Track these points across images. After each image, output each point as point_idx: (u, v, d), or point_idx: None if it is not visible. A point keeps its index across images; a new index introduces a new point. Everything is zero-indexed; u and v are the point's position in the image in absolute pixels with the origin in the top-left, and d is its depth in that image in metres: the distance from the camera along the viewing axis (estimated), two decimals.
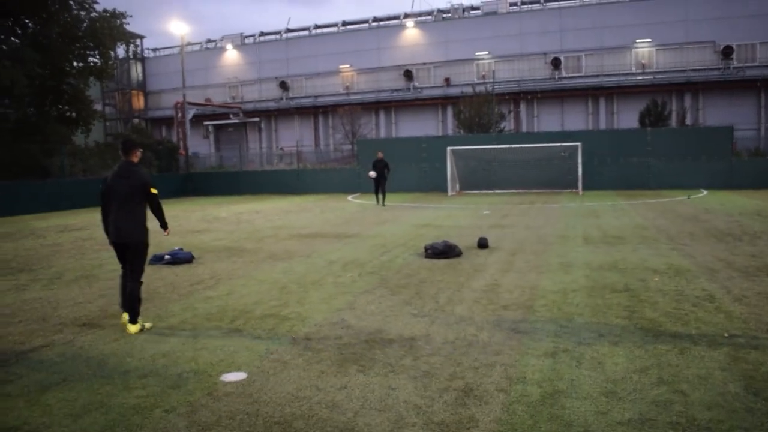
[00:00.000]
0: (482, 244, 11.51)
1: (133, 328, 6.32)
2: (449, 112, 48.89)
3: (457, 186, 29.91)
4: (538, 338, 5.69)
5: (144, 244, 6.52)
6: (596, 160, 28.73)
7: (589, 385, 4.50)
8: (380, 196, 22.30)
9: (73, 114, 32.40)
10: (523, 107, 48.85)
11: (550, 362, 5.04)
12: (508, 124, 46.39)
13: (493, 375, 4.79)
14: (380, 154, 22.46)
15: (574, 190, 27.56)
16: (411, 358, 5.27)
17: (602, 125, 46.27)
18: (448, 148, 29.24)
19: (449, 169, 29.03)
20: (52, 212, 24.39)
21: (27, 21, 30.61)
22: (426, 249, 10.74)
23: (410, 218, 17.95)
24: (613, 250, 10.84)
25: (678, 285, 7.84)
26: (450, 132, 46.96)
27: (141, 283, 6.53)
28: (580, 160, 27.38)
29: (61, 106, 32.09)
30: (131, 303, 6.39)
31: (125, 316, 6.42)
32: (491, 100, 41.43)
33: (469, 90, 44.65)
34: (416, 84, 51.03)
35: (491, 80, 44.83)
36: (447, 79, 49.87)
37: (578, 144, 27.58)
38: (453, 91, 48.50)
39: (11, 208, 23.57)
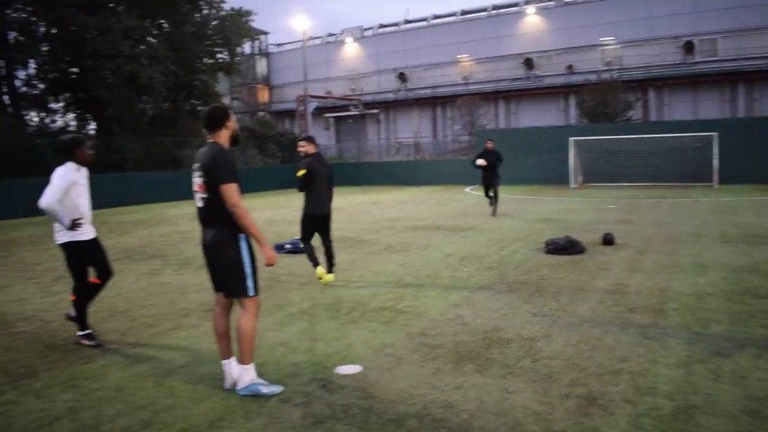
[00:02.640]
0: (608, 240, 10.94)
1: (329, 277, 8.20)
2: (572, 101, 47.10)
3: (580, 178, 28.80)
4: (670, 346, 5.28)
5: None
6: (734, 151, 26.61)
7: (728, 402, 4.10)
8: (491, 198, 16.62)
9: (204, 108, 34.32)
10: (651, 95, 46.21)
11: (682, 373, 4.65)
12: (636, 113, 44.05)
13: (620, 383, 4.48)
14: (489, 144, 16.84)
15: (708, 184, 25.74)
16: (530, 360, 5.05)
17: (740, 113, 42.90)
18: (571, 139, 28.20)
19: (572, 160, 28.01)
20: (184, 201, 25.83)
21: (162, 22, 32.69)
22: (547, 244, 10.36)
23: (530, 211, 17.46)
24: (754, 250, 9.95)
25: None
26: (573, 122, 45.28)
27: (332, 242, 8.45)
28: (715, 151, 25.53)
29: (192, 101, 34.05)
30: (329, 258, 8.32)
31: (322, 271, 8.23)
32: (617, 88, 39.52)
33: (593, 77, 42.83)
34: (537, 72, 49.64)
35: (617, 67, 42.73)
36: (569, 66, 48.07)
37: (714, 134, 25.71)
38: (576, 78, 46.64)
39: (148, 197, 25.48)
